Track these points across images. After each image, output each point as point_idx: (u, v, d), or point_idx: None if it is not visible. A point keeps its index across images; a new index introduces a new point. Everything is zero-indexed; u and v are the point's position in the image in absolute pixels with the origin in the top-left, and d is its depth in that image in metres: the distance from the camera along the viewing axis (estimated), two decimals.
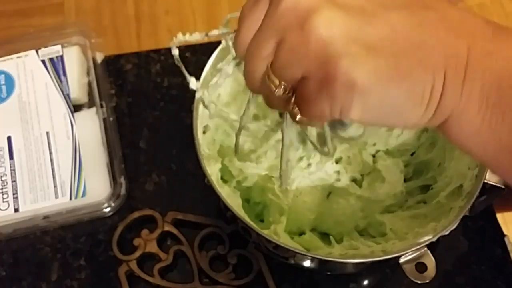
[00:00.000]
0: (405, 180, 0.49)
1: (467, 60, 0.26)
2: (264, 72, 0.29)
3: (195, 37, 0.41)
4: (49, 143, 0.55)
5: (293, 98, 0.29)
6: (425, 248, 0.40)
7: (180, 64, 0.42)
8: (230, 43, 0.44)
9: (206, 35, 0.41)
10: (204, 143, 0.46)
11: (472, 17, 0.28)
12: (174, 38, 0.41)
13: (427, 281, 0.41)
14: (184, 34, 0.41)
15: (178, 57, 0.42)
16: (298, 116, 0.29)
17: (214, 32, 0.41)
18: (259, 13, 0.29)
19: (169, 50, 0.63)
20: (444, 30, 0.27)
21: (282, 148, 0.40)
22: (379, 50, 0.26)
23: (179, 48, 0.63)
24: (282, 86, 0.28)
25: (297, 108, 0.29)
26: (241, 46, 0.30)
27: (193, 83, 0.44)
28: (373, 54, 0.26)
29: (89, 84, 0.59)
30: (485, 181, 0.41)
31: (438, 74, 0.26)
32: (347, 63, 0.25)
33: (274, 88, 0.28)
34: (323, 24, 0.26)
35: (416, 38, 0.26)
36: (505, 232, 0.53)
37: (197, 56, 0.62)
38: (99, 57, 0.60)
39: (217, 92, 0.49)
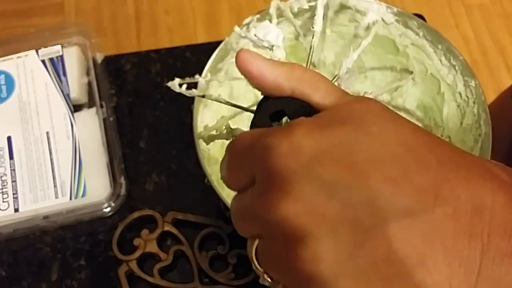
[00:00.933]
0: None
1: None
2: (252, 236, 0.27)
3: None
4: (49, 143, 0.55)
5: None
6: None
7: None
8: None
9: None
10: (204, 143, 0.46)
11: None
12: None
13: None
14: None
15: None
16: None
17: None
18: (242, 176, 0.27)
19: (169, 50, 0.63)
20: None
21: None
22: (369, 277, 0.23)
23: (180, 47, 0.63)
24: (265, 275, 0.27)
25: None
26: (229, 186, 0.29)
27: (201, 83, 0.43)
28: (364, 281, 0.23)
29: (89, 84, 0.59)
30: None
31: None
32: None
33: (262, 276, 0.27)
34: (309, 258, 0.23)
35: (414, 264, 0.22)
36: None
37: (197, 56, 0.62)
38: (99, 57, 0.60)
39: (217, 92, 0.49)
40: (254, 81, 0.29)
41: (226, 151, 0.28)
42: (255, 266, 0.27)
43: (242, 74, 0.29)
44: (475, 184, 0.23)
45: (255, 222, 0.25)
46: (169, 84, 0.40)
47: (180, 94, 0.55)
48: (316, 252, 0.23)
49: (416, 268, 0.22)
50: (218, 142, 0.49)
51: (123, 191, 0.54)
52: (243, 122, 0.51)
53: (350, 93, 0.28)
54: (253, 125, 0.30)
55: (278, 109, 0.29)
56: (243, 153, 0.27)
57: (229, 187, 0.29)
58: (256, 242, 0.26)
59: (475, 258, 0.23)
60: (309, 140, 0.24)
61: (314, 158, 0.23)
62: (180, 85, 0.39)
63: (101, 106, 0.57)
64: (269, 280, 0.27)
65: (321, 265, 0.23)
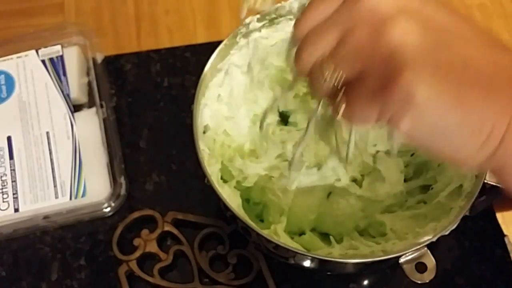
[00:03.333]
0: (405, 180, 0.49)
1: None
2: (319, 56, 0.29)
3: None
4: (49, 143, 0.55)
5: (341, 93, 0.28)
6: (425, 248, 0.40)
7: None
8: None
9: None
10: (204, 143, 0.46)
11: None
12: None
13: (427, 281, 0.41)
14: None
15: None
16: (341, 112, 0.28)
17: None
18: (332, 2, 0.29)
19: (169, 50, 0.63)
20: None
21: (304, 135, 0.40)
22: (447, 75, 0.25)
23: (179, 47, 0.63)
24: (336, 76, 0.28)
25: (343, 104, 0.28)
26: (304, 25, 0.30)
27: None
28: (440, 77, 0.25)
29: (89, 84, 0.59)
30: (485, 181, 0.41)
31: (501, 117, 0.26)
32: (412, 75, 0.25)
33: (327, 75, 0.28)
34: (398, 32, 0.26)
35: (486, 76, 0.26)
36: (505, 232, 0.53)
37: (197, 56, 0.62)
38: (99, 57, 0.60)
39: (217, 92, 0.49)
40: None
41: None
42: (326, 66, 0.28)
43: None
44: None
45: (339, 23, 0.28)
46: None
47: (180, 94, 0.55)
48: (405, 28, 0.26)
49: (485, 87, 0.25)
50: (218, 142, 0.50)
51: (123, 191, 0.54)
52: (244, 122, 0.51)
53: None
54: None
55: None
56: None
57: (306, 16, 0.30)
58: (328, 51, 0.28)
59: None
60: None
61: None
62: None
63: (101, 106, 0.57)
64: (333, 82, 0.28)
65: (409, 38, 0.25)
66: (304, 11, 0.30)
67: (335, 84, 0.28)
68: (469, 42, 0.27)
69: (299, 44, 0.30)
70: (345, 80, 0.28)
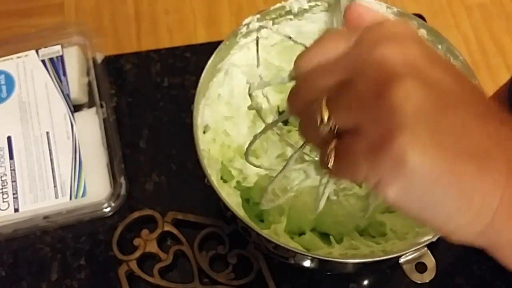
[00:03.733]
0: None
1: None
2: (314, 100, 0.27)
3: None
4: (49, 143, 0.55)
5: (332, 144, 0.27)
6: (425, 248, 0.40)
7: None
8: None
9: None
10: (204, 143, 0.46)
11: None
12: None
13: (427, 281, 0.41)
14: None
15: None
16: (330, 164, 0.27)
17: None
18: (340, 44, 0.28)
19: (169, 50, 0.63)
20: None
21: (280, 172, 0.38)
22: (443, 143, 0.24)
23: (180, 47, 0.63)
24: (330, 124, 0.27)
25: (332, 156, 0.27)
26: (307, 61, 0.28)
27: None
28: (436, 145, 0.24)
29: (89, 84, 0.59)
30: None
31: (492, 193, 0.25)
32: (407, 140, 0.24)
33: (320, 122, 0.27)
34: (402, 93, 0.24)
35: (482, 148, 0.25)
36: None
37: (197, 56, 0.62)
38: (99, 57, 0.60)
39: (217, 92, 0.49)
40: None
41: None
42: (321, 111, 0.27)
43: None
44: None
45: (341, 69, 0.27)
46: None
47: (180, 94, 0.55)
48: (408, 90, 0.24)
49: (481, 158, 0.25)
50: (218, 141, 0.50)
51: (123, 191, 0.54)
52: (244, 123, 0.51)
53: None
54: None
55: None
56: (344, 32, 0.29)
57: (318, 47, 0.29)
58: (325, 96, 0.27)
59: None
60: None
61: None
62: None
63: (101, 106, 0.57)
64: (326, 130, 0.27)
65: (410, 101, 0.24)
66: (310, 46, 0.29)
67: (327, 132, 0.27)
68: (468, 109, 0.25)
69: (298, 79, 0.29)
70: (338, 130, 0.27)
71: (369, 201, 0.41)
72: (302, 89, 0.28)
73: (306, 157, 0.39)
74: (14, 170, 0.54)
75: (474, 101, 0.26)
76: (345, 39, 0.28)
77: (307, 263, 0.44)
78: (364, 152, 0.25)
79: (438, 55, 0.27)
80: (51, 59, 0.59)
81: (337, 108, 0.26)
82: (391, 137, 0.24)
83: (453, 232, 0.26)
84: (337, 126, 0.27)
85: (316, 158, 0.39)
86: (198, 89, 0.45)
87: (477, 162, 0.24)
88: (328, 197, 0.37)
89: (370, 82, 0.25)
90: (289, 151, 0.48)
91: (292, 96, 0.29)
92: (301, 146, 0.34)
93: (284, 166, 0.37)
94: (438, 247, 0.42)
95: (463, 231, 0.26)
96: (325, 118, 0.27)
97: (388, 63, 0.25)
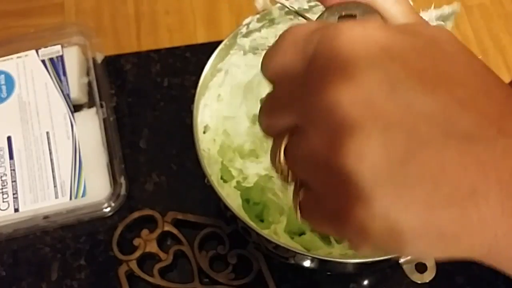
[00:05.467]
0: None
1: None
2: (276, 136, 0.25)
3: None
4: (49, 143, 0.55)
5: (300, 195, 0.24)
6: None
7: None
8: None
9: None
10: (204, 143, 0.46)
11: None
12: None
13: (427, 281, 0.41)
14: None
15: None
16: (298, 217, 0.25)
17: None
18: (298, 57, 0.23)
19: (169, 50, 0.63)
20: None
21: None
22: (413, 197, 0.20)
23: (180, 47, 0.63)
24: (291, 175, 0.24)
25: (298, 211, 0.25)
26: (271, 69, 0.25)
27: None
28: (402, 203, 0.20)
29: (89, 84, 0.59)
30: None
31: (485, 228, 0.21)
32: (366, 209, 0.21)
33: (283, 167, 0.24)
34: (352, 157, 0.20)
35: (468, 183, 0.20)
36: None
37: (197, 56, 0.62)
38: (99, 57, 0.60)
39: (217, 92, 0.49)
40: None
41: (280, 36, 0.25)
42: (278, 163, 0.24)
43: None
44: None
45: (296, 110, 0.23)
46: None
47: (180, 94, 0.55)
48: (362, 147, 0.20)
49: (465, 197, 0.20)
50: (218, 141, 0.50)
51: (123, 191, 0.54)
52: (244, 122, 0.51)
53: None
54: None
55: (348, 13, 0.26)
56: (300, 37, 0.23)
57: (267, 70, 0.25)
58: (286, 139, 0.24)
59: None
60: (383, 33, 0.22)
61: (385, 50, 0.21)
62: None
63: (101, 106, 0.57)
64: (289, 180, 0.25)
65: (364, 163, 0.20)
66: (272, 49, 0.24)
67: (291, 180, 0.25)
68: (450, 138, 0.20)
69: (263, 102, 0.26)
70: (300, 182, 0.24)
71: None
72: (264, 118, 0.25)
73: None
74: (14, 170, 0.54)
75: (463, 118, 0.20)
76: (302, 51, 0.23)
77: (307, 263, 0.44)
78: (327, 217, 0.23)
79: (424, 63, 0.21)
80: (51, 59, 0.59)
81: (292, 162, 0.24)
82: (347, 210, 0.21)
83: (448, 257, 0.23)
84: (298, 178, 0.24)
85: None
86: (198, 89, 0.45)
87: (460, 205, 0.20)
88: None
89: (321, 137, 0.21)
90: None
91: (259, 119, 0.26)
92: None
93: None
94: None
95: (458, 256, 0.23)
96: (285, 172, 0.25)
97: (337, 113, 0.21)
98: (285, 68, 0.24)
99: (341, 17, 0.26)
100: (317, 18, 0.28)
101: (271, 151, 0.25)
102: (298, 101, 0.23)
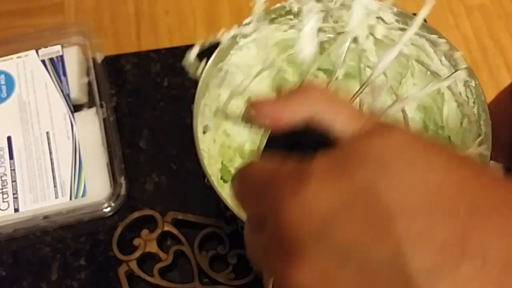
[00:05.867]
0: None
1: None
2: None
3: None
4: (49, 143, 0.55)
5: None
6: None
7: None
8: None
9: None
10: (204, 143, 0.46)
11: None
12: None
13: None
14: None
15: None
16: None
17: None
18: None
19: (169, 50, 0.63)
20: None
21: None
22: None
23: (180, 47, 0.63)
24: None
25: None
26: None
27: None
28: None
29: (89, 84, 0.59)
30: None
31: None
32: None
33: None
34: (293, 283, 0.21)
35: None
36: None
37: (197, 56, 0.62)
38: (99, 57, 0.60)
39: (217, 92, 0.49)
40: (273, 127, 0.27)
41: (236, 177, 0.26)
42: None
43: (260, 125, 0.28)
44: (508, 233, 0.21)
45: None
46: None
47: (180, 94, 0.55)
48: (303, 278, 0.21)
49: None
50: (218, 142, 0.50)
51: (123, 191, 0.54)
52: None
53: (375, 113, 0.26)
54: (266, 150, 0.28)
55: (293, 142, 0.26)
56: (253, 190, 0.25)
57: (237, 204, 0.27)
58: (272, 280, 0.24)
59: None
60: (323, 196, 0.22)
61: (328, 218, 0.21)
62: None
63: (101, 106, 0.57)
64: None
65: None
66: (233, 187, 0.26)
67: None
68: (411, 282, 0.20)
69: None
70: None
71: None
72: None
73: None
74: (14, 170, 0.54)
75: (417, 258, 0.20)
76: (257, 204, 0.24)
77: None
78: None
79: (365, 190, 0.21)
80: (51, 59, 0.59)
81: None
82: None
83: None
84: None
85: None
86: (198, 89, 0.45)
87: None
88: None
89: (272, 247, 0.22)
90: None
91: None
92: None
93: None
94: None
95: None
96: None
97: (285, 234, 0.22)
98: (251, 211, 0.26)
99: (288, 146, 0.26)
100: (264, 149, 0.28)
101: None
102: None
